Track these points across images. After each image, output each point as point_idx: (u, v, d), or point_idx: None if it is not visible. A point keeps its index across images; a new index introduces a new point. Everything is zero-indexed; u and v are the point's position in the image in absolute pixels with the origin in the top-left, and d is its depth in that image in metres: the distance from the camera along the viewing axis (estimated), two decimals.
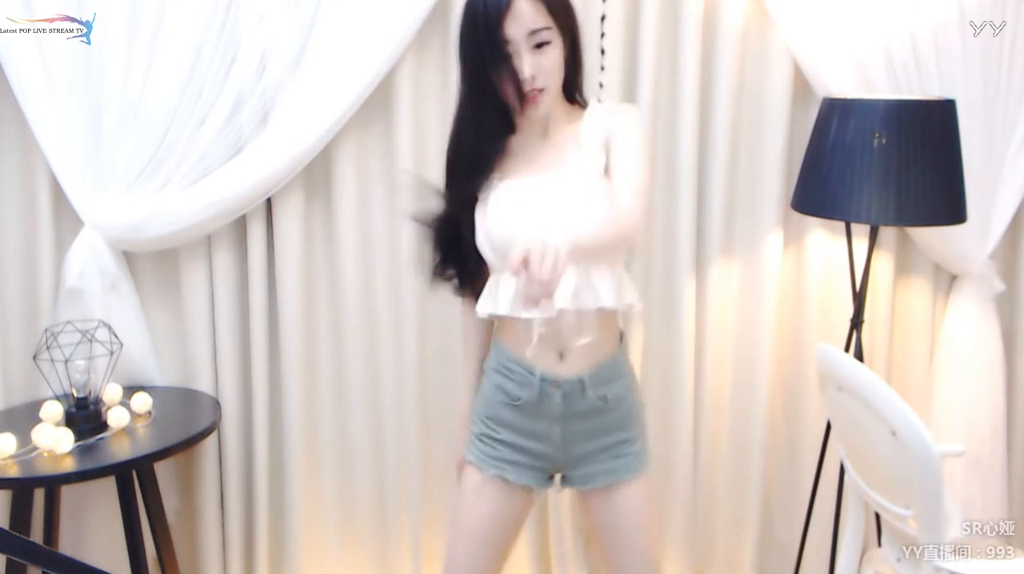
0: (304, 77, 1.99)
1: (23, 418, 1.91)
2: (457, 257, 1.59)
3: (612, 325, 1.56)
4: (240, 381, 2.18)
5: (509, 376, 1.55)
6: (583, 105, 1.59)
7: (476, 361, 1.69)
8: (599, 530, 1.62)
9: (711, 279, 2.29)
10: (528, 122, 1.53)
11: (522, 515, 1.62)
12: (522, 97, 1.43)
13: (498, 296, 1.50)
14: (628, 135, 1.50)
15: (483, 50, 1.40)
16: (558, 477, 1.62)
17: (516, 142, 1.55)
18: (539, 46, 1.40)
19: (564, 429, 1.54)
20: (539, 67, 1.40)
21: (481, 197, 1.52)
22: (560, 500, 2.28)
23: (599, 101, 1.59)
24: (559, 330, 1.47)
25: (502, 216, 1.48)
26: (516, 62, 1.40)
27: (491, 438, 1.57)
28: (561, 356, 1.50)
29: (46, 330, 1.91)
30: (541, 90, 1.43)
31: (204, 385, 2.14)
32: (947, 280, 2.35)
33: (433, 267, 1.62)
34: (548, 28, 1.40)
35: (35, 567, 1.67)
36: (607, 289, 1.46)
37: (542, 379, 1.51)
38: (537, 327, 1.45)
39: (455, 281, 1.63)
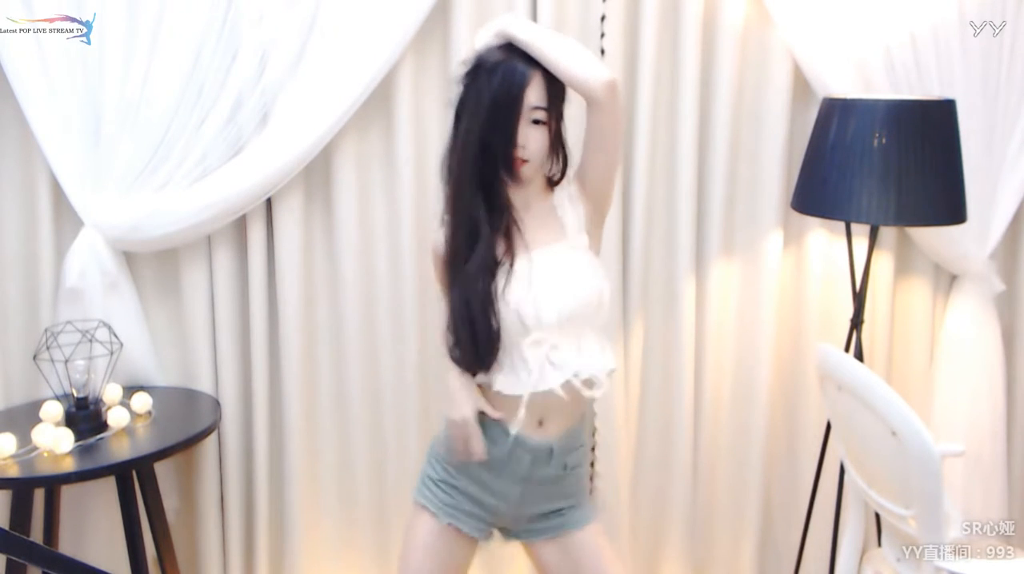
0: (304, 77, 1.99)
1: (23, 418, 1.91)
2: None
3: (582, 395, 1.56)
4: (240, 381, 2.18)
5: (483, 430, 1.56)
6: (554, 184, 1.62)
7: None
8: None
9: (711, 279, 2.29)
10: (513, 189, 1.56)
11: (467, 564, 1.64)
12: (510, 161, 1.49)
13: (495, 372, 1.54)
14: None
15: (500, 110, 1.46)
16: (497, 532, 1.65)
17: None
18: (535, 122, 1.49)
19: (524, 490, 1.58)
20: (528, 139, 1.49)
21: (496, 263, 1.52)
22: None
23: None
24: (545, 405, 1.52)
25: (516, 293, 1.50)
26: (517, 128, 1.47)
27: (448, 485, 1.59)
28: (540, 423, 1.54)
29: (46, 330, 1.91)
30: (525, 161, 1.50)
31: (204, 385, 2.14)
32: (947, 280, 2.36)
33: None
34: (546, 110, 1.49)
35: (35, 567, 1.68)
36: (598, 356, 1.54)
37: (515, 441, 1.54)
38: (524, 406, 1.50)
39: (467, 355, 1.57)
